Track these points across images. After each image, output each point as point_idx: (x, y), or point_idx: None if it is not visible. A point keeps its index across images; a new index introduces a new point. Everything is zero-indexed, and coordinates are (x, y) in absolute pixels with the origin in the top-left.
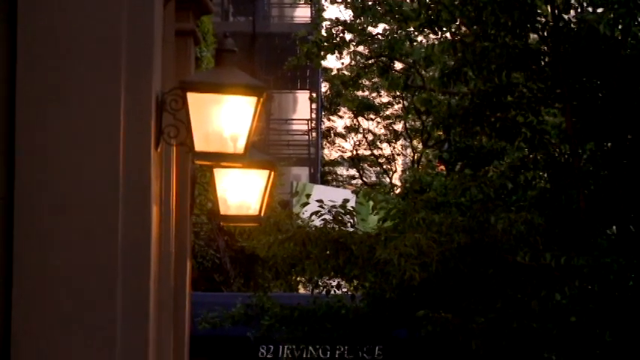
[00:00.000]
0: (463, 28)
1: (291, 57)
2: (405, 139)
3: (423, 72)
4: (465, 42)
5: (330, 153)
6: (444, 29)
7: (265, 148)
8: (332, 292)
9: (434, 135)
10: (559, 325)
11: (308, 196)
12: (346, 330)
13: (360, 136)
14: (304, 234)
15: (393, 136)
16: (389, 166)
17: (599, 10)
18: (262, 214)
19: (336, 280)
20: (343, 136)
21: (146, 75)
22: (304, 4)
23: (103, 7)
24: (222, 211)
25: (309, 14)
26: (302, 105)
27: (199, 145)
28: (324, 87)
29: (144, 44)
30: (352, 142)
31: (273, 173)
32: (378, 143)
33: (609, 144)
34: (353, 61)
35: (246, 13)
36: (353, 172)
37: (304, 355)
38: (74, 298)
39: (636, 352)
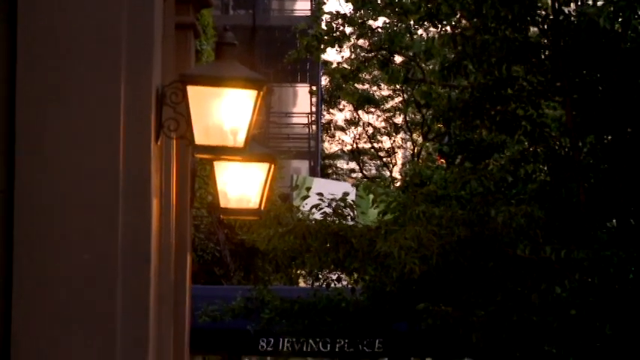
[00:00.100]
0: (463, 21)
1: (292, 50)
2: (405, 132)
3: (423, 65)
4: (465, 35)
5: (330, 146)
6: (444, 22)
7: (265, 141)
8: (332, 285)
9: (434, 128)
10: (559, 318)
11: (308, 189)
12: (346, 323)
13: (360, 129)
14: (304, 227)
15: (393, 130)
16: (389, 160)
17: (599, 3)
18: (262, 207)
19: (337, 274)
20: (343, 130)
21: (146, 68)
22: None
23: (104, 0)
24: (223, 204)
25: (309, 7)
26: (302, 98)
27: (199, 139)
28: (324, 80)
29: (144, 37)
30: (352, 136)
31: (273, 166)
32: (378, 136)
33: (609, 137)
34: (353, 55)
35: (246, 6)
36: (353, 165)
37: (304, 348)
38: (74, 292)
39: (636, 345)
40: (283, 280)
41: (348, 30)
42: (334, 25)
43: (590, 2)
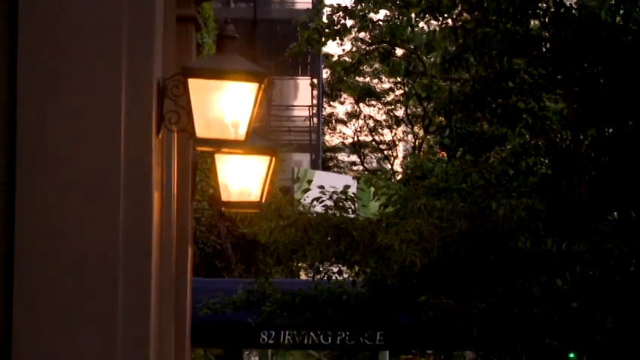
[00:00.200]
0: (464, 14)
1: (293, 43)
2: (406, 125)
3: (425, 58)
4: (466, 28)
5: (331, 139)
6: (446, 15)
7: (266, 134)
8: (333, 278)
9: (435, 121)
10: (560, 311)
11: (309, 182)
12: (347, 316)
13: (361, 122)
14: (305, 220)
15: (395, 122)
16: (390, 152)
17: None
18: (263, 200)
19: (338, 266)
20: (344, 123)
21: (147, 61)
22: None
23: None
24: (224, 197)
25: (310, 0)
26: (303, 91)
27: (201, 132)
28: (326, 73)
29: (145, 30)
30: (353, 129)
31: (274, 159)
32: (380, 129)
33: (610, 130)
34: (354, 48)
35: None
36: (354, 158)
37: (305, 341)
38: (75, 285)
39: (637, 337)
40: (284, 273)
41: (349, 23)
42: (335, 18)
43: None
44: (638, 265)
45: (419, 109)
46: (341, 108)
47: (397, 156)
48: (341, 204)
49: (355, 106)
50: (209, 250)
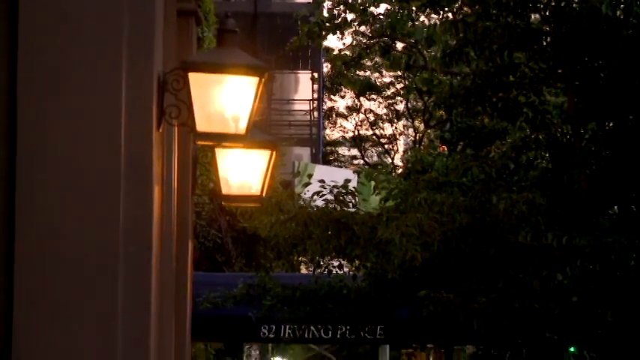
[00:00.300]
0: (465, 8)
1: (293, 37)
2: (406, 119)
3: (425, 52)
4: (467, 22)
5: (331, 133)
6: (446, 9)
7: (267, 128)
8: (334, 272)
9: (436, 115)
10: (561, 305)
11: (310, 176)
12: (348, 310)
13: (361, 116)
14: (306, 214)
15: (395, 116)
16: (391, 146)
17: None
18: (264, 194)
19: (338, 260)
20: (345, 116)
21: (147, 55)
22: None
23: None
24: (224, 191)
25: None
26: (304, 85)
27: (201, 126)
28: (326, 67)
29: (145, 24)
30: (354, 122)
31: (274, 153)
32: (380, 123)
33: (611, 124)
34: (354, 42)
35: None
36: (355, 152)
37: (306, 335)
38: (75, 279)
39: (638, 331)
40: (285, 267)
41: (350, 16)
42: (336, 12)
43: None
44: (639, 260)
45: (419, 103)
46: (341, 102)
47: (398, 150)
48: (341, 198)
49: (356, 100)
50: (209, 244)
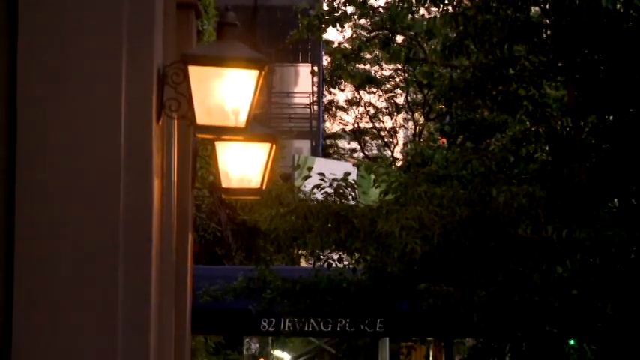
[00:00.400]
0: (465, 1)
1: (293, 30)
2: (406, 112)
3: (425, 45)
4: (467, 15)
5: (331, 126)
6: (446, 2)
7: (267, 121)
8: (333, 265)
9: (435, 108)
10: (560, 298)
11: (309, 169)
12: (348, 303)
13: (361, 109)
14: (306, 207)
15: (395, 109)
16: (390, 139)
17: None
18: (264, 187)
19: (338, 254)
20: (345, 109)
21: (147, 48)
22: None
23: None
24: (224, 184)
25: None
26: (303, 78)
27: (201, 119)
28: (326, 60)
29: (145, 17)
30: (354, 116)
31: (274, 146)
32: (380, 116)
33: (611, 117)
34: (354, 34)
35: None
36: (354, 145)
37: (306, 328)
38: (75, 272)
39: (637, 325)
40: (285, 260)
41: (350, 9)
42: (335, 5)
43: None
44: (639, 253)
45: (419, 96)
46: (341, 95)
47: (397, 143)
48: (341, 191)
49: (355, 93)
50: (209, 238)
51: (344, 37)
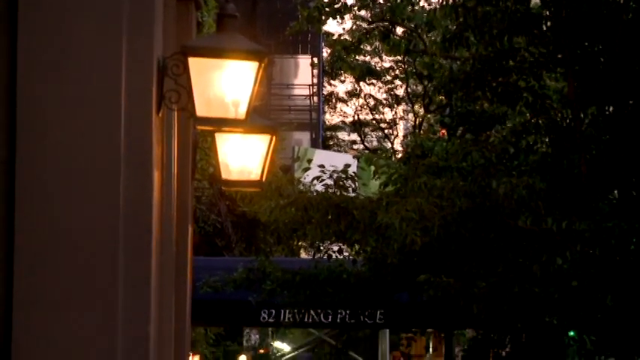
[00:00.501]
0: None
1: (293, 21)
2: (406, 103)
3: (425, 36)
4: (467, 6)
5: (331, 118)
6: None
7: (267, 113)
8: (333, 256)
9: (435, 100)
10: (560, 290)
11: (309, 161)
12: (347, 294)
13: (361, 100)
14: (306, 199)
15: (395, 101)
16: (390, 131)
17: None
18: (264, 179)
19: (338, 245)
20: (345, 101)
21: (147, 40)
22: None
23: None
24: (224, 175)
25: None
26: (303, 70)
27: (201, 111)
28: (326, 52)
29: (145, 9)
30: (354, 107)
31: (274, 138)
32: (380, 108)
33: (611, 108)
34: (354, 26)
35: None
36: (354, 136)
37: (306, 319)
38: (75, 262)
39: (637, 316)
40: (285, 252)
41: (350, 1)
42: None
43: None
44: (638, 244)
45: (419, 88)
46: (341, 87)
47: (397, 135)
48: (341, 183)
49: (355, 85)
50: (209, 229)
51: (344, 28)
